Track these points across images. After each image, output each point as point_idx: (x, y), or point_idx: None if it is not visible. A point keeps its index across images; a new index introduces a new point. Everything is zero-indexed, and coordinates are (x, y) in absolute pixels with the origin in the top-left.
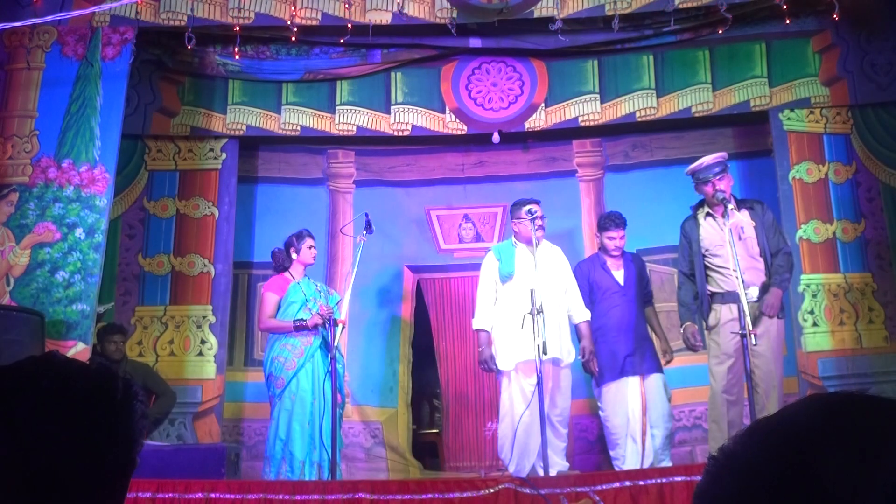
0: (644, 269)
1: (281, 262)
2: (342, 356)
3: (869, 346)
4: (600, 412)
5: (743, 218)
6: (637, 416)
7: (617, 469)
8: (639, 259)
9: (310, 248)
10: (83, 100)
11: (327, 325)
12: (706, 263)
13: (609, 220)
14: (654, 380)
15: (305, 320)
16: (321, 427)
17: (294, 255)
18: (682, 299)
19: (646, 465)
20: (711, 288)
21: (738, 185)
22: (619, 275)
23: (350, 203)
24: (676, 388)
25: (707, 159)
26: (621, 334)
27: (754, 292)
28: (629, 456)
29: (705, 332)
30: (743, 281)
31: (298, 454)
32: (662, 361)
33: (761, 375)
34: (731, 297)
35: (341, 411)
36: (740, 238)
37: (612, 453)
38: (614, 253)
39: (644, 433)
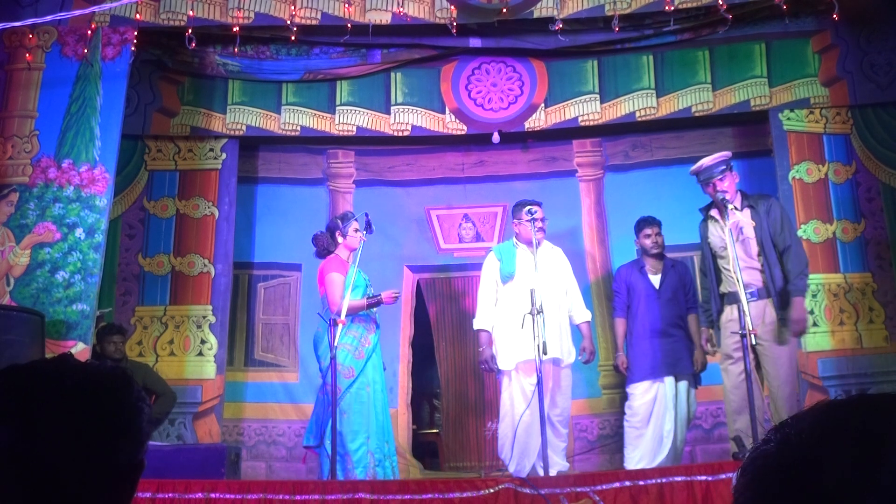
0: (687, 275)
1: (325, 246)
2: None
3: (869, 346)
4: (626, 409)
5: (743, 217)
6: (665, 416)
7: (626, 467)
8: (681, 265)
9: (356, 231)
10: (83, 100)
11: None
12: (716, 264)
13: (642, 221)
14: (682, 387)
15: (379, 296)
16: (387, 419)
17: (340, 239)
18: (699, 302)
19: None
20: (721, 288)
21: (738, 184)
22: (655, 279)
23: (350, 203)
24: None
25: (707, 160)
26: (655, 337)
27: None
28: (646, 455)
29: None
30: (741, 281)
31: (376, 449)
32: (697, 367)
33: (765, 375)
34: (733, 298)
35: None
36: (738, 238)
37: (626, 452)
38: (654, 251)
39: (675, 434)
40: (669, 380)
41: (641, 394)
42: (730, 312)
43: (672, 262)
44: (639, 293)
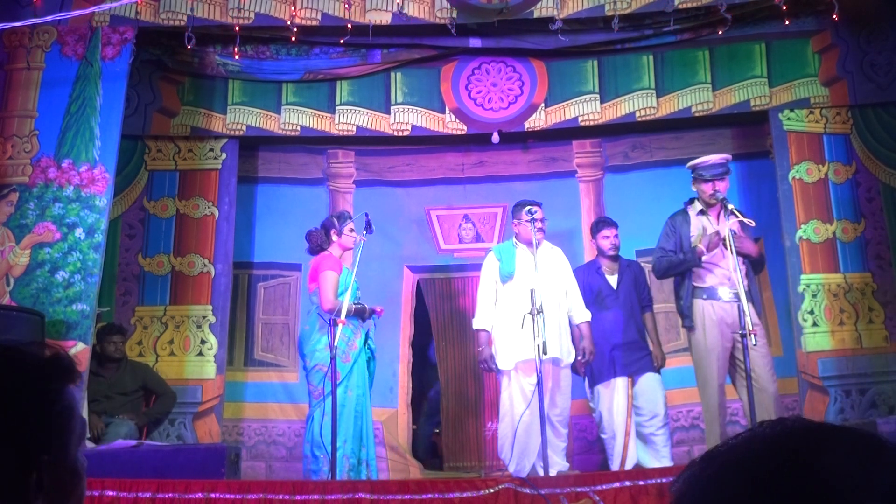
0: (642, 275)
1: (319, 244)
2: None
3: (869, 346)
4: (598, 424)
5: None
6: (621, 416)
7: (612, 469)
8: (636, 265)
9: (351, 230)
10: (83, 100)
11: (374, 316)
12: None
13: (600, 222)
14: (647, 379)
15: (362, 303)
16: (366, 424)
17: (335, 238)
18: (667, 259)
19: (628, 466)
20: (695, 283)
21: (737, 185)
22: (612, 279)
23: (350, 203)
24: (674, 389)
25: (712, 157)
26: (612, 337)
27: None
28: (616, 457)
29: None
30: (730, 280)
31: (351, 453)
32: (656, 364)
33: (754, 377)
34: (712, 293)
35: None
36: (734, 239)
37: (610, 464)
38: (610, 252)
39: (627, 434)
40: (624, 380)
41: (604, 399)
42: (709, 308)
43: (627, 262)
44: (597, 294)
